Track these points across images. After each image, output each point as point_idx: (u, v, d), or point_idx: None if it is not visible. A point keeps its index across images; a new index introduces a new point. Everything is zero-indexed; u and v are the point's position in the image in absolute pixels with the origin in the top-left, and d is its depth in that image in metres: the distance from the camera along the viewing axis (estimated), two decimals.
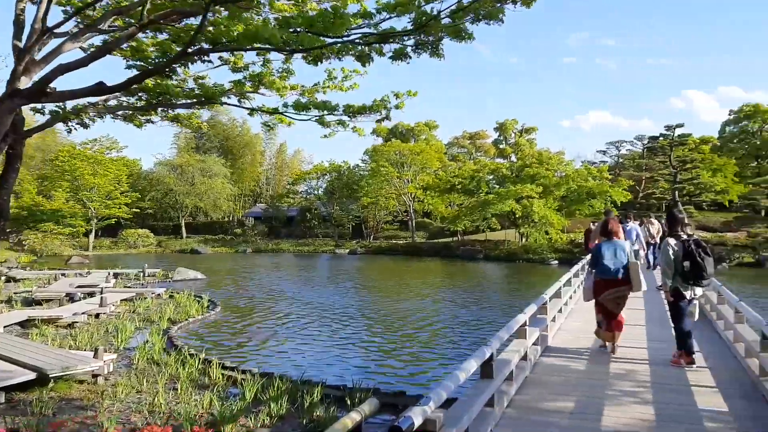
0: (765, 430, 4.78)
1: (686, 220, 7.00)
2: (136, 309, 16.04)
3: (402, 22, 7.60)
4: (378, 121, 9.48)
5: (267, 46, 7.67)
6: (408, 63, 7.98)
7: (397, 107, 9.31)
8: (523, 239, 43.19)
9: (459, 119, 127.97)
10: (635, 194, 49.68)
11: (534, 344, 6.87)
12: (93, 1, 8.90)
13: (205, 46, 8.33)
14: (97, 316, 14.60)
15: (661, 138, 54.40)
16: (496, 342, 5.16)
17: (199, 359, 9.80)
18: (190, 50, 8.02)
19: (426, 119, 72.67)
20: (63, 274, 25.59)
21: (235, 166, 66.69)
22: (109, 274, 23.81)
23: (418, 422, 3.27)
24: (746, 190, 48.17)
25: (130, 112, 10.30)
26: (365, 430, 6.41)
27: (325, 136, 9.77)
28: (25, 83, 8.32)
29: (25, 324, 13.46)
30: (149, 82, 9.42)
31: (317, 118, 9.38)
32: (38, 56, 8.63)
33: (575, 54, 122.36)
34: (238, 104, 10.22)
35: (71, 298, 17.56)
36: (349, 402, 7.64)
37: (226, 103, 10.35)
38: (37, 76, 8.42)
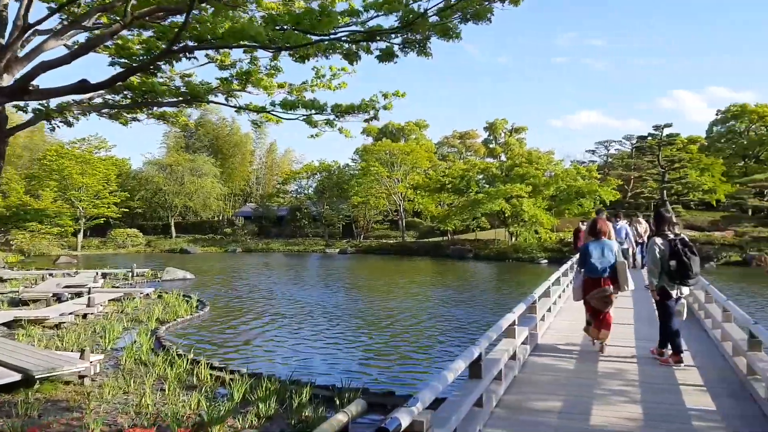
0: (753, 429, 4.79)
1: (674, 219, 7.04)
2: (125, 309, 15.90)
3: (389, 21, 7.58)
4: (366, 120, 9.43)
5: (253, 43, 7.60)
6: (395, 63, 7.96)
7: (385, 108, 9.26)
8: (513, 238, 43.33)
9: (449, 119, 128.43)
10: (624, 193, 49.95)
11: (523, 343, 6.85)
12: None
13: (191, 43, 8.25)
14: (84, 316, 14.45)
15: (649, 138, 54.69)
16: (485, 341, 5.14)
17: (187, 359, 9.72)
18: (175, 47, 7.93)
19: (416, 119, 73.05)
20: (50, 274, 25.37)
21: (225, 165, 66.30)
22: (97, 274, 23.57)
23: (405, 423, 3.24)
24: (733, 190, 48.61)
25: (116, 110, 10.17)
26: (352, 431, 6.37)
27: (313, 136, 9.69)
28: (7, 81, 8.18)
29: (12, 324, 13.30)
30: (134, 79, 9.30)
31: (305, 117, 9.30)
32: (21, 53, 8.50)
33: (564, 54, 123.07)
34: (225, 103, 10.12)
35: (58, 298, 17.37)
36: (338, 402, 7.61)
37: (213, 102, 10.24)
38: (19, 74, 8.29)
